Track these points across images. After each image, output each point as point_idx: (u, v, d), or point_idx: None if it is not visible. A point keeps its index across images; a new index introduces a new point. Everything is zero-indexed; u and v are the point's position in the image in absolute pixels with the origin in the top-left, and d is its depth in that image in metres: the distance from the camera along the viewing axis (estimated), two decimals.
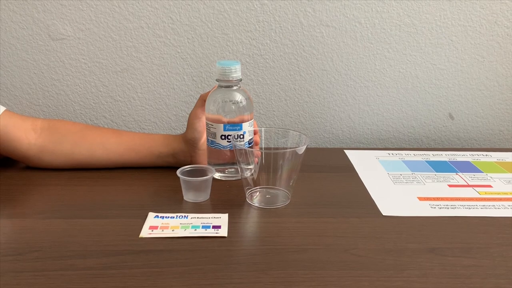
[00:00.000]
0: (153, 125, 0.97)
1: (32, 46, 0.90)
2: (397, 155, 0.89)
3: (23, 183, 0.73)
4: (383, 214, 0.65)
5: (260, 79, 0.95)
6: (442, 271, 0.52)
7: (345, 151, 0.90)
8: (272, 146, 0.70)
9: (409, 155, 0.88)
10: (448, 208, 0.67)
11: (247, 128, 0.71)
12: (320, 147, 0.99)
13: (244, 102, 0.71)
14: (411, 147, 1.00)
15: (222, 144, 0.70)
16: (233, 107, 0.70)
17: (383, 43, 0.93)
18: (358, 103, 0.97)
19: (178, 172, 0.67)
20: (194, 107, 0.73)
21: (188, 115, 0.93)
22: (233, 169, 0.73)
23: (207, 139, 0.72)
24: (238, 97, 0.71)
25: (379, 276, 0.51)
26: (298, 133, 0.69)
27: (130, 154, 0.76)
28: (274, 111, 0.97)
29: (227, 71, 0.69)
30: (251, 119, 0.72)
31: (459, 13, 0.92)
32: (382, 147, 0.99)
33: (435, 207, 0.67)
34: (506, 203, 0.69)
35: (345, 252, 0.55)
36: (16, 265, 0.52)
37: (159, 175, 0.76)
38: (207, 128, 0.72)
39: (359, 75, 0.95)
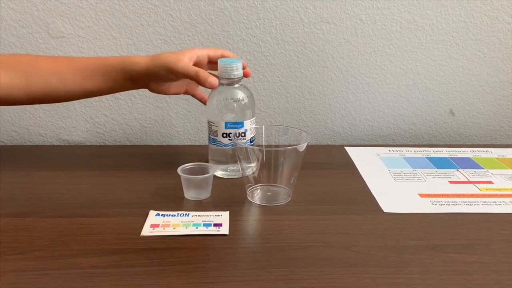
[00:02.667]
0: (153, 123, 0.96)
1: (32, 44, 0.90)
2: (398, 151, 0.89)
3: (24, 182, 0.73)
4: (384, 211, 0.65)
5: (260, 76, 0.94)
6: (444, 268, 0.52)
7: (345, 148, 0.90)
8: (273, 144, 0.70)
9: (410, 152, 0.88)
10: (449, 204, 0.67)
11: (249, 125, 0.71)
12: (321, 144, 0.99)
13: (246, 100, 0.71)
14: (412, 143, 1.00)
15: (224, 143, 0.70)
16: (235, 105, 0.70)
17: (384, 40, 0.93)
18: (359, 100, 0.97)
19: (179, 170, 0.67)
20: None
21: (188, 113, 0.93)
22: (235, 167, 0.72)
23: (209, 137, 0.72)
24: (240, 95, 0.71)
25: (381, 273, 0.51)
26: (298, 130, 0.69)
27: (88, 80, 0.70)
28: (274, 108, 0.97)
29: (228, 69, 0.69)
30: (253, 117, 0.72)
31: (460, 9, 0.92)
32: (383, 143, 0.99)
33: (436, 204, 0.67)
34: (507, 199, 0.69)
35: (347, 249, 0.55)
36: (17, 264, 0.52)
37: (160, 173, 0.76)
38: (208, 127, 0.72)
39: (360, 72, 0.95)
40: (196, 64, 0.70)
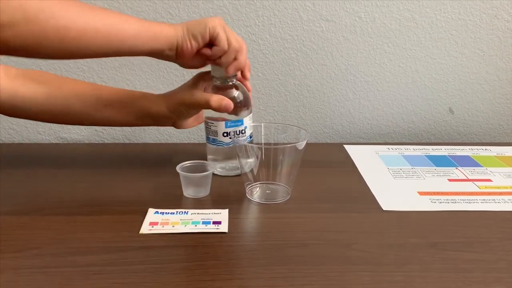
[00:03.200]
0: None
1: None
2: (397, 149, 0.88)
3: (22, 180, 0.73)
4: (384, 209, 0.65)
5: (259, 74, 0.94)
6: (444, 266, 0.52)
7: (345, 146, 0.90)
8: (272, 142, 0.70)
9: (409, 150, 0.88)
10: (448, 202, 0.67)
11: (248, 122, 0.71)
12: (320, 142, 0.99)
13: (241, 97, 0.70)
14: (411, 141, 1.00)
15: (225, 141, 0.70)
16: (237, 105, 0.70)
17: (383, 38, 0.93)
18: (358, 98, 0.97)
19: (178, 168, 0.66)
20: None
21: None
22: (234, 164, 0.72)
23: (208, 138, 0.72)
24: (235, 93, 0.70)
25: (381, 271, 0.51)
26: (298, 128, 0.69)
27: (110, 110, 0.70)
28: (274, 106, 0.97)
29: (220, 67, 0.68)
30: (250, 113, 0.72)
31: (459, 7, 0.92)
32: (382, 141, 0.99)
33: (435, 202, 0.67)
34: (506, 197, 0.69)
35: (346, 247, 0.55)
36: (16, 262, 0.51)
37: (159, 171, 0.76)
38: (207, 127, 0.72)
39: (359, 70, 0.95)
40: None
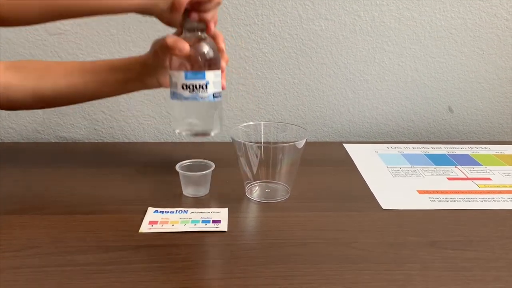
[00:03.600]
0: (152, 120, 0.96)
1: (29, 41, 0.89)
2: (396, 148, 0.89)
3: (22, 179, 0.73)
4: (383, 208, 0.65)
5: (259, 73, 0.94)
6: (443, 264, 0.52)
7: (344, 145, 0.90)
8: (272, 140, 0.70)
9: (408, 149, 0.88)
10: (447, 201, 0.67)
11: (212, 78, 0.63)
12: (319, 141, 0.99)
13: (210, 53, 0.63)
14: (410, 140, 1.00)
15: (184, 95, 0.63)
16: (199, 58, 0.63)
17: (382, 37, 0.93)
18: (357, 97, 0.97)
19: (177, 167, 0.66)
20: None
21: None
22: (198, 124, 0.65)
23: (170, 94, 0.65)
24: (204, 47, 0.63)
25: (380, 269, 0.51)
26: (297, 127, 0.69)
27: (96, 81, 0.69)
28: (273, 105, 0.97)
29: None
30: (218, 70, 0.64)
31: (459, 6, 0.92)
32: (381, 140, 0.99)
33: (434, 200, 0.67)
34: (505, 196, 0.69)
35: (346, 245, 0.55)
36: (16, 261, 0.51)
37: (158, 170, 0.76)
38: (170, 80, 0.65)
39: (358, 69, 0.95)
40: None
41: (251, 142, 0.66)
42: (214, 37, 0.66)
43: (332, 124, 0.99)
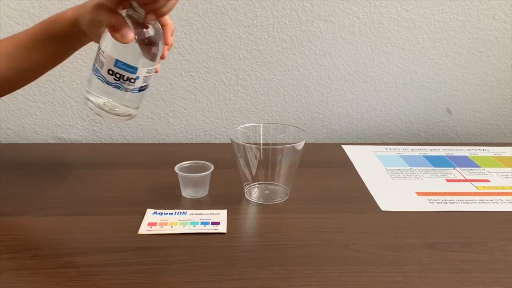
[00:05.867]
0: (150, 121, 0.96)
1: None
2: (395, 150, 0.89)
3: (20, 180, 0.73)
4: (382, 209, 0.65)
5: (258, 74, 0.94)
6: (442, 266, 0.52)
7: (343, 146, 0.90)
8: (271, 142, 0.70)
9: (407, 150, 0.88)
10: (446, 203, 0.67)
11: (143, 73, 0.56)
12: (318, 142, 0.99)
13: (154, 50, 0.56)
14: (409, 142, 1.00)
15: (107, 79, 0.55)
16: (137, 50, 0.55)
17: (381, 38, 0.93)
18: (356, 98, 0.97)
19: (176, 168, 0.66)
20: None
21: (185, 111, 0.93)
22: (115, 104, 0.57)
23: (93, 65, 0.58)
24: (149, 30, 0.55)
25: (379, 271, 0.51)
26: (296, 128, 0.69)
27: (35, 51, 0.63)
28: (272, 106, 0.97)
29: None
30: (152, 66, 0.57)
31: (457, 7, 0.92)
32: (380, 142, 0.99)
33: (433, 202, 0.67)
34: (504, 198, 0.69)
35: (345, 247, 0.55)
36: (15, 263, 0.51)
37: (157, 171, 0.75)
38: (97, 54, 0.57)
39: (357, 70, 0.95)
40: None
41: (250, 143, 0.66)
42: (163, 26, 0.58)
43: (331, 125, 0.99)
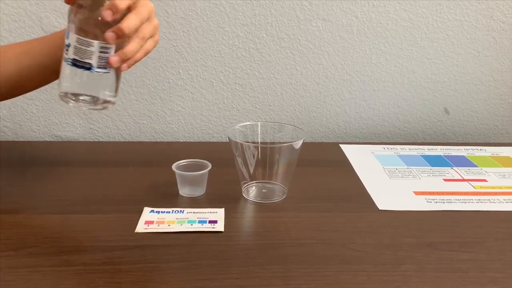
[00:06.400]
0: (147, 119, 0.96)
1: (25, 38, 0.89)
2: (393, 149, 0.89)
3: (16, 178, 0.72)
4: (380, 209, 0.65)
5: (256, 73, 0.94)
6: (439, 266, 0.52)
7: (340, 145, 0.90)
8: (268, 141, 0.70)
9: (405, 150, 0.89)
10: (444, 202, 0.67)
11: (73, 41, 0.52)
12: (316, 141, 0.99)
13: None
14: (407, 141, 1.00)
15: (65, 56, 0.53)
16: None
17: (379, 38, 0.93)
18: (354, 98, 0.97)
19: (173, 166, 0.66)
20: None
21: (183, 110, 0.93)
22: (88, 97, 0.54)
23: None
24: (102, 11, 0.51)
25: (377, 270, 0.51)
26: (294, 127, 0.69)
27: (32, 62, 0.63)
28: (270, 105, 0.97)
29: None
30: (84, 38, 0.52)
31: (455, 7, 0.92)
32: (377, 141, 0.99)
33: (431, 202, 0.67)
34: (501, 197, 0.69)
35: (343, 246, 0.55)
36: (11, 261, 0.51)
37: (154, 170, 0.75)
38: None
39: (355, 70, 0.95)
40: None
41: (248, 142, 0.66)
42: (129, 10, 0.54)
43: (329, 124, 0.99)
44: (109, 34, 0.51)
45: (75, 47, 0.52)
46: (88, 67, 0.53)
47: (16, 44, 0.68)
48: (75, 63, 0.53)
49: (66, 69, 0.54)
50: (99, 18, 0.52)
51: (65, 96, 0.55)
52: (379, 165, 0.81)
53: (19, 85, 0.67)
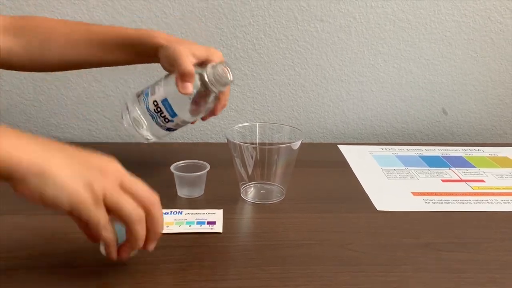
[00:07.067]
0: None
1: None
2: (391, 150, 0.89)
3: None
4: (378, 209, 0.65)
5: (254, 74, 0.94)
6: (437, 266, 0.52)
7: (338, 146, 0.90)
8: (267, 141, 0.70)
9: (403, 150, 0.89)
10: (442, 203, 0.67)
11: (179, 121, 0.65)
12: (314, 142, 0.99)
13: (207, 107, 0.66)
14: (405, 142, 1.00)
15: (149, 105, 0.65)
16: (184, 98, 0.63)
17: (377, 38, 0.93)
18: (352, 98, 0.97)
19: (172, 167, 0.66)
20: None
21: None
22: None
23: (150, 86, 0.66)
24: (209, 102, 0.65)
25: (375, 271, 0.51)
26: (292, 128, 0.69)
27: (103, 57, 0.68)
28: (268, 106, 0.97)
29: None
30: (191, 120, 0.67)
31: (453, 8, 0.92)
32: (375, 142, 1.00)
33: (429, 202, 0.67)
34: (498, 198, 0.69)
35: (341, 247, 0.55)
36: (9, 263, 0.51)
37: (152, 171, 0.75)
38: (158, 80, 0.65)
39: (353, 70, 0.95)
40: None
41: (246, 143, 0.66)
42: (219, 101, 0.66)
43: (327, 125, 0.99)
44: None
45: (177, 124, 0.66)
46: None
47: (90, 29, 0.70)
48: (169, 129, 0.67)
49: (148, 116, 0.66)
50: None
51: (128, 116, 0.68)
52: (377, 165, 0.81)
53: (77, 67, 0.73)
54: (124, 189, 0.45)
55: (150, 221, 0.45)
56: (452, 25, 0.93)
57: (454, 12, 0.93)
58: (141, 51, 0.67)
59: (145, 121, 0.66)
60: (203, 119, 0.69)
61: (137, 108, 0.66)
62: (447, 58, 0.96)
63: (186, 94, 0.61)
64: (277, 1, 0.90)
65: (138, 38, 0.67)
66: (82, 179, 0.42)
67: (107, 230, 0.44)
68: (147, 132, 0.67)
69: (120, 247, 0.46)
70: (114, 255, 0.46)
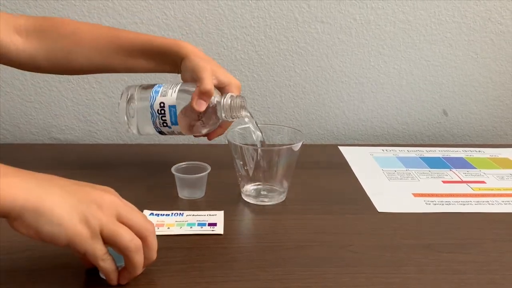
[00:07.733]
0: None
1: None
2: (391, 151, 0.89)
3: None
4: (379, 211, 0.65)
5: (255, 75, 0.94)
6: (438, 267, 0.52)
7: (339, 147, 0.90)
8: (267, 143, 0.70)
9: (403, 152, 0.89)
10: (442, 204, 0.67)
11: (176, 129, 0.66)
12: (315, 143, 0.99)
13: (203, 131, 0.67)
14: (405, 143, 1.00)
15: (154, 105, 0.65)
16: (193, 121, 0.65)
17: (378, 40, 0.93)
18: (352, 100, 0.97)
19: (173, 169, 0.66)
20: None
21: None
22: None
23: (163, 84, 0.67)
24: (217, 121, 0.66)
25: (376, 272, 0.51)
26: (293, 129, 0.69)
27: (129, 64, 0.69)
28: (269, 107, 0.97)
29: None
30: (187, 134, 0.67)
31: (454, 10, 0.93)
32: (376, 143, 1.00)
33: (430, 204, 0.67)
34: (499, 199, 0.69)
35: (342, 248, 0.55)
36: (9, 264, 0.51)
37: (153, 172, 0.75)
38: (174, 84, 0.66)
39: (353, 72, 0.95)
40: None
41: (247, 144, 0.66)
42: (225, 123, 0.67)
43: (327, 126, 0.99)
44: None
45: (172, 131, 0.66)
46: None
47: (119, 35, 0.70)
48: (161, 133, 0.67)
49: (147, 111, 0.66)
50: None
51: (126, 98, 0.68)
52: (378, 167, 0.81)
53: (101, 71, 0.73)
54: (121, 220, 0.45)
55: (146, 249, 0.46)
56: (452, 26, 0.94)
57: (454, 13, 0.93)
58: (167, 59, 0.67)
59: (142, 114, 0.66)
60: (195, 136, 0.69)
61: (141, 101, 0.66)
62: (447, 59, 0.96)
63: (197, 110, 0.62)
64: (278, 2, 0.90)
65: (166, 47, 0.67)
66: (78, 214, 0.43)
67: (105, 261, 0.45)
68: (135, 123, 0.67)
69: (119, 273, 0.47)
70: (114, 282, 0.47)
